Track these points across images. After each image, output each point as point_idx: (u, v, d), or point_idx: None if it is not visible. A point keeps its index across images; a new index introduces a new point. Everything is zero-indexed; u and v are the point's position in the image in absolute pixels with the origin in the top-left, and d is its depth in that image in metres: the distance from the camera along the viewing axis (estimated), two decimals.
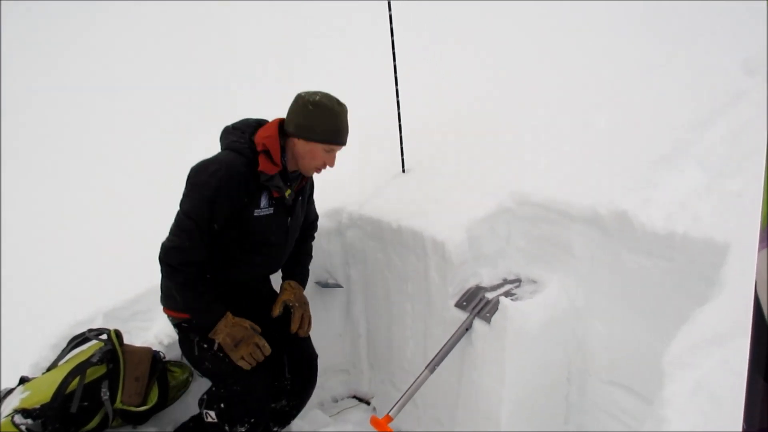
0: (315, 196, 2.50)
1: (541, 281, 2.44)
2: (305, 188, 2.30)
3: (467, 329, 2.36)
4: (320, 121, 2.02)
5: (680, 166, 2.30)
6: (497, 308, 2.26)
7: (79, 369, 2.06)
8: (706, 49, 3.01)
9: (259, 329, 2.10)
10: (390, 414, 2.18)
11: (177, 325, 2.17)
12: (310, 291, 2.84)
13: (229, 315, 2.03)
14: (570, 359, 2.43)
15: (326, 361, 2.65)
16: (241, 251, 2.12)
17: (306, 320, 2.32)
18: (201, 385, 2.41)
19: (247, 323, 2.07)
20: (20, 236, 3.47)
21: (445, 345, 2.33)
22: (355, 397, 3.24)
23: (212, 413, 2.09)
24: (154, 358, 2.27)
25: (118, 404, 2.13)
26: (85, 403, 2.05)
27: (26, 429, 1.93)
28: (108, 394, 2.10)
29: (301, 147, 2.06)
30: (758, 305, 0.95)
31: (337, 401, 3.19)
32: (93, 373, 2.09)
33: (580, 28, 3.81)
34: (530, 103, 3.27)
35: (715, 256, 1.90)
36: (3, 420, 1.93)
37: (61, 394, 2.00)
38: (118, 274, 2.86)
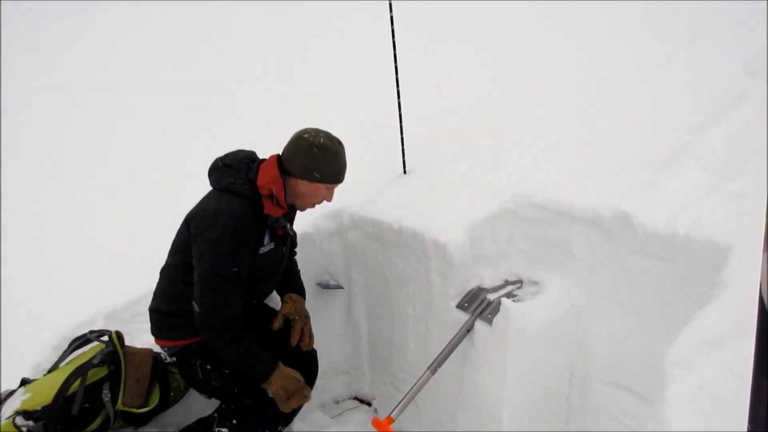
0: None
1: (542, 282, 2.44)
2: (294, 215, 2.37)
3: (468, 330, 2.36)
4: (325, 163, 2.06)
5: (681, 167, 2.30)
6: (498, 309, 2.26)
7: (81, 371, 2.06)
8: (707, 50, 3.01)
9: (302, 380, 2.10)
10: (391, 415, 2.18)
11: (175, 353, 2.15)
12: (311, 292, 2.84)
13: (280, 365, 2.03)
14: (571, 360, 2.43)
15: (327, 362, 2.65)
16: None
17: (307, 334, 2.30)
18: None
19: (297, 374, 2.07)
20: (21, 237, 3.47)
21: (446, 346, 2.33)
22: (356, 398, 3.24)
23: (224, 431, 2.09)
24: (155, 359, 2.27)
25: (119, 406, 2.13)
26: (87, 405, 2.05)
27: (27, 431, 1.93)
28: (109, 395, 2.10)
29: (303, 187, 2.09)
30: (763, 307, 0.95)
31: (338, 402, 3.19)
32: (94, 375, 2.09)
33: (581, 28, 3.81)
34: (531, 104, 3.28)
35: (716, 257, 1.90)
36: (4, 422, 1.93)
37: (63, 396, 2.00)
38: (119, 275, 2.87)
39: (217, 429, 2.10)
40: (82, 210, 3.67)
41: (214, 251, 1.93)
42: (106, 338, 2.21)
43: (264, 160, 2.13)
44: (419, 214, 2.63)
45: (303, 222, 2.73)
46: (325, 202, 2.19)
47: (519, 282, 2.52)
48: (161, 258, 2.94)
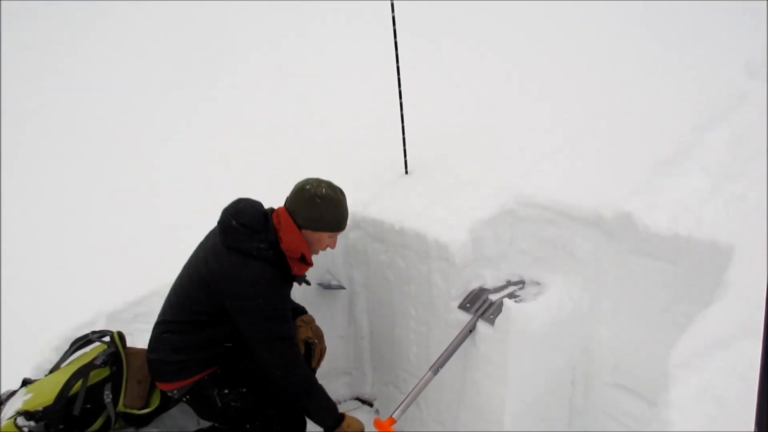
0: None
1: (544, 283, 2.44)
2: None
3: (470, 331, 2.36)
4: (328, 213, 2.10)
5: (684, 168, 2.30)
6: (501, 310, 2.25)
7: (83, 371, 2.06)
8: (708, 51, 3.01)
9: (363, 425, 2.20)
10: (393, 416, 2.17)
11: (188, 392, 2.15)
12: (312, 292, 2.84)
13: (345, 414, 2.17)
14: (573, 361, 2.43)
15: (329, 363, 2.65)
16: None
17: (324, 354, 2.45)
18: None
19: (358, 422, 2.18)
20: (21, 237, 3.47)
21: (448, 347, 2.33)
22: (357, 399, 3.23)
23: None
24: None
25: (120, 407, 2.13)
26: (88, 406, 2.05)
27: (29, 431, 1.93)
28: (111, 396, 2.09)
29: (308, 236, 2.12)
30: None
31: (339, 403, 3.18)
32: (96, 376, 2.08)
33: (582, 28, 3.82)
34: (533, 105, 3.28)
35: (719, 258, 1.90)
36: (5, 422, 1.92)
37: (64, 397, 1.99)
38: (120, 276, 2.86)
39: None
40: (82, 210, 3.66)
41: (266, 316, 2.00)
42: (107, 339, 2.20)
43: (272, 210, 2.13)
44: (421, 214, 2.63)
45: None
46: (328, 249, 2.24)
47: (521, 282, 2.52)
48: (161, 258, 2.94)
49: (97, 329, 2.32)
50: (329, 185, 2.12)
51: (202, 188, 3.64)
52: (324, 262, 2.99)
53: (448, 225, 2.47)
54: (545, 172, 2.61)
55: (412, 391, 2.23)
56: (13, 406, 1.98)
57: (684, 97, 2.75)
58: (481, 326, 2.33)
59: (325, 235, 2.14)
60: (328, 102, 4.18)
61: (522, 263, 2.55)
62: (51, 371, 2.18)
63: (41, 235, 3.46)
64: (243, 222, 2.01)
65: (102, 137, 4.56)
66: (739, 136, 2.41)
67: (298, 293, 2.50)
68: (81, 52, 5.99)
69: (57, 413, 1.97)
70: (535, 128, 3.02)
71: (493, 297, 2.41)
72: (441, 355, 2.31)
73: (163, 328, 2.13)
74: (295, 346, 2.12)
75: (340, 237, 2.98)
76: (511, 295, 2.41)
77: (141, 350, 2.26)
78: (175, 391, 2.16)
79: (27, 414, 1.95)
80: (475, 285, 2.50)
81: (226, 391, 2.13)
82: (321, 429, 2.30)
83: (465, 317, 2.39)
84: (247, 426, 2.17)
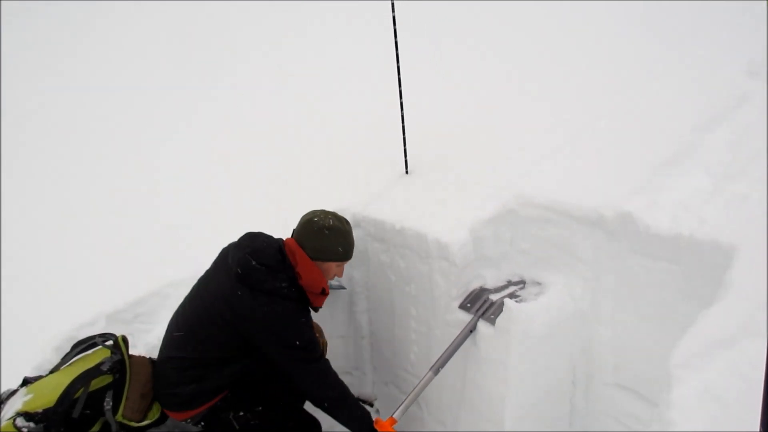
0: (315, 203, 2.51)
1: (545, 283, 2.43)
2: None
3: (471, 331, 2.36)
4: (336, 244, 2.17)
5: (685, 168, 2.30)
6: (501, 310, 2.25)
7: (88, 376, 2.03)
8: (708, 51, 3.01)
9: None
10: (394, 416, 2.18)
11: (203, 418, 2.16)
12: None
13: (378, 420, 2.21)
14: (574, 361, 2.43)
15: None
16: None
17: (326, 348, 2.51)
18: None
19: (390, 420, 2.22)
20: (21, 237, 3.46)
21: (449, 347, 2.33)
22: (358, 399, 3.23)
23: None
24: None
25: (118, 417, 2.08)
26: (87, 411, 2.01)
27: None
28: (111, 404, 2.05)
29: (318, 266, 2.18)
30: None
31: None
32: (98, 382, 2.03)
33: (582, 28, 3.81)
34: (533, 105, 3.28)
35: (721, 258, 1.90)
36: (5, 422, 1.91)
37: (69, 399, 1.97)
38: (121, 276, 2.85)
39: None
40: (82, 210, 3.65)
41: (297, 346, 2.05)
42: (110, 343, 2.17)
43: (285, 244, 2.15)
44: (422, 214, 2.63)
45: None
46: (336, 277, 2.29)
47: (522, 282, 2.52)
48: (162, 258, 2.94)
49: (97, 329, 2.31)
50: (335, 216, 2.20)
51: (202, 188, 3.64)
52: None
53: (449, 225, 2.47)
54: (545, 172, 2.60)
55: (412, 391, 2.24)
56: (13, 407, 1.97)
57: (684, 97, 2.74)
58: (482, 326, 2.33)
59: (333, 265, 2.21)
60: (328, 102, 4.18)
61: (523, 263, 2.55)
62: (51, 371, 2.16)
63: (41, 235, 3.45)
64: (263, 262, 2.05)
65: (102, 137, 4.55)
66: (739, 136, 2.41)
67: None
68: (81, 52, 5.98)
69: (58, 415, 1.95)
70: (535, 128, 3.02)
71: (494, 297, 2.41)
72: (441, 355, 2.31)
73: (178, 363, 2.11)
74: (326, 361, 2.18)
75: None
76: (511, 295, 2.41)
77: (147, 360, 2.22)
78: (189, 420, 2.18)
79: (27, 415, 1.93)
80: (475, 285, 2.50)
81: (242, 413, 2.15)
82: (323, 431, 2.33)
83: (466, 317, 2.39)
84: None
